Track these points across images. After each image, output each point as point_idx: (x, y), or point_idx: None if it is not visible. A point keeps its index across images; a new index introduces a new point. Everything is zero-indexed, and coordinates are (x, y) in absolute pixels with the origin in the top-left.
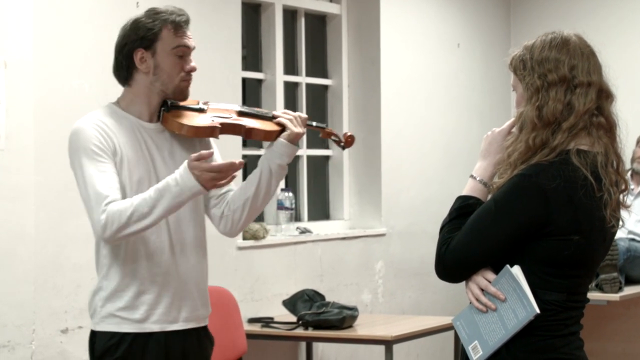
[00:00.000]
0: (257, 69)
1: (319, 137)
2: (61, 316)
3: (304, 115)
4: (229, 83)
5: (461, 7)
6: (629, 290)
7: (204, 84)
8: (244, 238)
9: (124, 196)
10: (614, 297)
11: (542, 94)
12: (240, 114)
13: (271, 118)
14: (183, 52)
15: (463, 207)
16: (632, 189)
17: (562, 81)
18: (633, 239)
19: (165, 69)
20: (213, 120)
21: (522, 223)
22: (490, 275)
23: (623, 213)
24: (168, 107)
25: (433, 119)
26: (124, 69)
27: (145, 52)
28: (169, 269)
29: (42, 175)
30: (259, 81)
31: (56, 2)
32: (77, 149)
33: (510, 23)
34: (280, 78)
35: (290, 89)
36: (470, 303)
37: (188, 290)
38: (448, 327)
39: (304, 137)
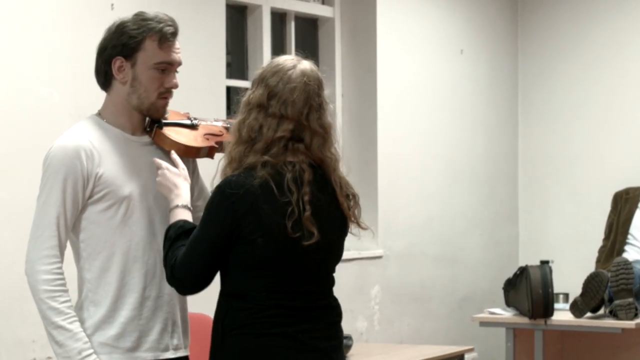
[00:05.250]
0: (243, 76)
1: None
2: (28, 346)
3: None
4: (212, 92)
5: (465, 10)
6: None
7: (185, 93)
8: None
9: (113, 214)
10: (630, 324)
11: (246, 109)
12: (229, 126)
13: None
14: (165, 68)
15: (179, 229)
16: None
17: (259, 105)
18: None
19: (143, 82)
20: (208, 139)
21: (218, 231)
22: None
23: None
24: (160, 123)
25: (434, 132)
26: (102, 74)
27: (125, 62)
28: (159, 292)
29: (7, 191)
30: (245, 90)
31: (22, 2)
32: (53, 173)
33: (517, 27)
34: None
35: None
36: None
37: (176, 316)
38: (450, 358)
39: None
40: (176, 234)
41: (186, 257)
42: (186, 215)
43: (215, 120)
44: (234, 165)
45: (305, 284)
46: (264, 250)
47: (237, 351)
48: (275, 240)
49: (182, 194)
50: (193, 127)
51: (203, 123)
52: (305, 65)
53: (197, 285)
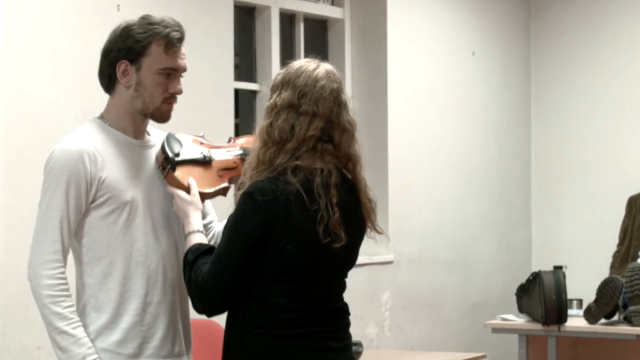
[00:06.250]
0: (251, 79)
1: None
2: (33, 353)
3: None
4: (220, 95)
5: (477, 11)
6: None
7: (193, 95)
8: None
9: (115, 219)
10: None
11: (274, 113)
12: (241, 156)
13: None
14: (170, 73)
15: (196, 251)
16: None
17: (290, 105)
18: None
19: (147, 87)
20: (221, 177)
21: (250, 239)
22: None
23: None
24: (172, 163)
25: (446, 134)
26: (106, 77)
27: (130, 66)
28: (161, 298)
29: (12, 196)
30: (253, 93)
31: (27, 3)
32: (56, 176)
33: (530, 29)
34: None
35: None
36: None
37: (178, 323)
38: None
39: None
40: (194, 255)
41: (215, 269)
42: (201, 239)
43: (230, 146)
44: (261, 168)
45: (324, 289)
46: (293, 257)
47: (256, 351)
48: (305, 247)
49: (193, 221)
50: (206, 162)
51: (216, 154)
52: (327, 65)
53: (228, 299)
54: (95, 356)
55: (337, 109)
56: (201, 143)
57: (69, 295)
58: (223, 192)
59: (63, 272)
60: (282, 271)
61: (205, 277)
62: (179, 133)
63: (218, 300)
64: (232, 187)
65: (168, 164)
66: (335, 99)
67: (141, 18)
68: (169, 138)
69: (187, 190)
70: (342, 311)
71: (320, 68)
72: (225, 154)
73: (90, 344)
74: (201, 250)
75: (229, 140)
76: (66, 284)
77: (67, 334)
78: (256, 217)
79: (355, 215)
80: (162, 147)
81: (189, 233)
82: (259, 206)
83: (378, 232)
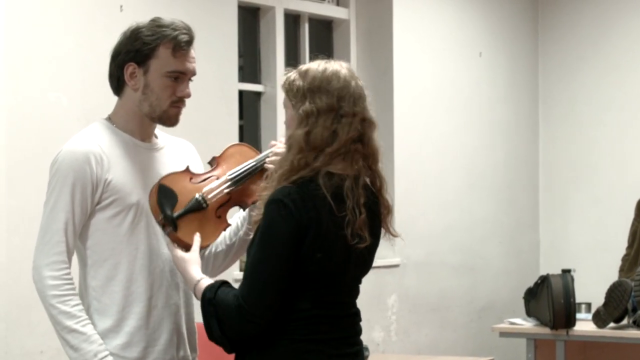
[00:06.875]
0: (256, 80)
1: None
2: (36, 357)
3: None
4: (224, 96)
5: (484, 11)
6: None
7: (197, 97)
8: (241, 270)
9: (121, 221)
10: None
11: (311, 119)
12: (232, 184)
13: (263, 164)
14: (178, 76)
15: (211, 288)
16: None
17: (329, 108)
18: None
19: (155, 90)
20: (220, 217)
21: (286, 247)
22: None
23: None
24: (173, 223)
25: (452, 136)
26: (114, 79)
27: (137, 68)
28: (166, 302)
29: (14, 199)
30: (258, 94)
31: (29, 3)
32: (62, 177)
33: (538, 29)
34: (282, 91)
35: None
36: None
37: (183, 327)
38: None
39: None
40: (212, 292)
41: (254, 284)
42: (208, 282)
43: (215, 171)
44: (293, 174)
45: (344, 294)
46: (322, 265)
47: (275, 355)
48: (334, 254)
49: (194, 274)
50: (201, 207)
51: (208, 191)
52: (343, 64)
53: (271, 313)
54: (107, 352)
55: (367, 106)
56: (190, 178)
57: (76, 294)
58: (223, 230)
59: (68, 273)
60: (310, 277)
61: (244, 296)
62: (166, 176)
63: (266, 314)
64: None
65: (168, 224)
66: (365, 96)
67: (151, 20)
68: (161, 191)
69: (189, 246)
70: (357, 316)
71: (344, 69)
72: (217, 186)
73: (101, 341)
74: (216, 286)
75: (212, 162)
76: (72, 284)
77: (77, 332)
78: (290, 224)
79: (377, 216)
80: (159, 205)
81: (195, 284)
82: (292, 213)
83: (393, 235)
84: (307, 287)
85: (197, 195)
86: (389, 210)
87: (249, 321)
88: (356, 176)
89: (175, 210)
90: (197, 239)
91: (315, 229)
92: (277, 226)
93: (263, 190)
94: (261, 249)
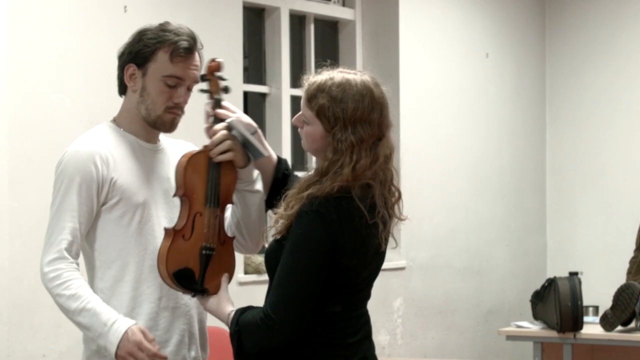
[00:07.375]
0: (261, 81)
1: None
2: None
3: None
4: (229, 97)
5: (490, 12)
6: None
7: (200, 98)
8: (246, 272)
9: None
10: None
11: (355, 149)
12: (215, 205)
13: (219, 164)
14: (175, 83)
15: (238, 313)
16: None
17: (371, 137)
18: None
19: (151, 94)
20: (225, 241)
21: (320, 259)
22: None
23: None
24: (204, 291)
25: (458, 138)
26: (118, 79)
27: (137, 70)
28: (176, 303)
29: (17, 201)
30: (263, 95)
31: (32, 4)
32: (67, 177)
33: (545, 30)
34: (287, 92)
35: (298, 104)
36: None
37: (194, 328)
38: None
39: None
40: (237, 315)
41: (282, 294)
42: (234, 311)
43: (190, 210)
44: (327, 184)
45: (367, 297)
46: (358, 271)
47: (302, 356)
48: (369, 259)
49: (224, 315)
50: (213, 254)
51: (206, 234)
52: (366, 77)
53: (300, 325)
54: (115, 318)
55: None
56: (182, 236)
57: (79, 278)
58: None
59: (70, 264)
60: (343, 285)
61: (271, 306)
62: (168, 261)
63: (292, 323)
64: None
65: (200, 294)
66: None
67: (159, 24)
68: (177, 278)
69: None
70: (369, 317)
71: (374, 86)
72: (207, 223)
73: (108, 309)
74: (242, 309)
75: (183, 199)
76: (72, 270)
77: (85, 310)
78: (322, 234)
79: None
80: (184, 287)
81: (227, 320)
82: (327, 222)
83: (399, 219)
84: (341, 291)
85: (202, 252)
86: (399, 195)
87: (276, 330)
88: (383, 181)
89: (197, 278)
90: (225, 279)
91: (352, 239)
92: (312, 236)
93: (287, 208)
94: (291, 258)
